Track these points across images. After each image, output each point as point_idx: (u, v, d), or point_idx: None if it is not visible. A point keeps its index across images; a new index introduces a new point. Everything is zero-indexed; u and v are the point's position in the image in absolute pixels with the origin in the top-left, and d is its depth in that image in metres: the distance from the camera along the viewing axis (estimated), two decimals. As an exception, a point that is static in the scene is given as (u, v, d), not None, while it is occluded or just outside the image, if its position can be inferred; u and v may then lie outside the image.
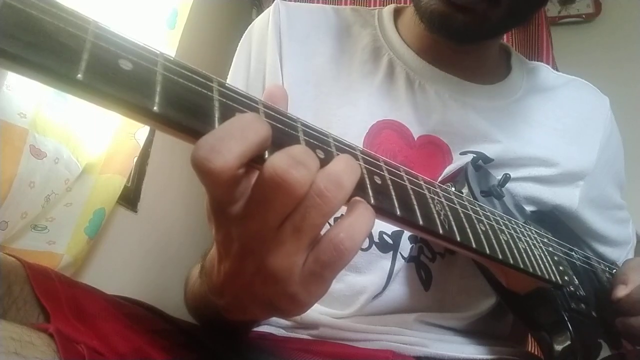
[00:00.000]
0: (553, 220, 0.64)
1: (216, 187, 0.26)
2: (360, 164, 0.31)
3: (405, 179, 0.35)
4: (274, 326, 0.61)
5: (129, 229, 1.08)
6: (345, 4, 1.46)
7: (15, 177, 0.64)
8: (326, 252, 0.27)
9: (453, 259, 0.60)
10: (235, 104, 0.27)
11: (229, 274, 0.32)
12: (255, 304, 0.33)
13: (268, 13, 0.68)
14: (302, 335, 0.59)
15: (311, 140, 0.30)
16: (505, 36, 1.29)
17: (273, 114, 0.29)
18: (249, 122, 0.26)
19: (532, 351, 0.70)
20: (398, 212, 0.32)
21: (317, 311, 0.59)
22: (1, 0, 0.20)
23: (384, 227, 0.58)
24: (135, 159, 0.95)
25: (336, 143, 0.32)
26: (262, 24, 0.68)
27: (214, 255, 0.35)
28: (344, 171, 0.28)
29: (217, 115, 0.26)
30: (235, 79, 0.67)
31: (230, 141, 0.24)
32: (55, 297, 0.40)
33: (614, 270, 0.64)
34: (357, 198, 0.29)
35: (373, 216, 0.29)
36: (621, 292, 0.54)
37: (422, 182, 0.37)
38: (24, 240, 0.74)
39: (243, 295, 0.33)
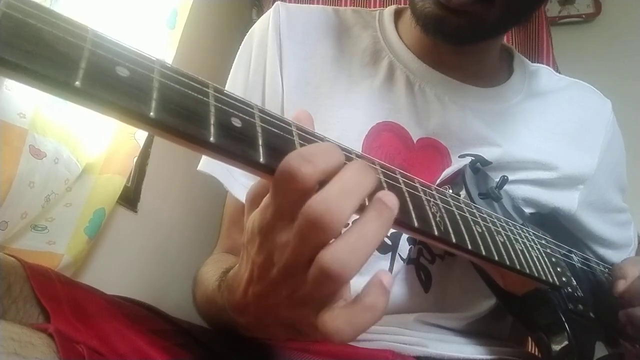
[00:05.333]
0: (553, 223, 0.64)
1: (293, 193, 0.27)
2: None
3: (400, 181, 0.35)
4: (274, 326, 0.62)
5: (129, 229, 1.08)
6: (346, 5, 1.46)
7: (14, 177, 0.64)
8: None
9: (452, 261, 0.60)
10: (231, 109, 0.28)
11: (258, 297, 0.33)
12: (277, 325, 0.34)
13: (268, 15, 0.68)
14: (303, 334, 0.60)
15: (306, 144, 0.30)
16: (505, 36, 1.29)
17: (268, 118, 0.29)
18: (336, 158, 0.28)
19: (532, 352, 0.70)
20: (394, 214, 0.32)
21: None
22: (1, 11, 0.21)
23: None
24: (135, 159, 0.95)
25: None
26: (262, 25, 0.68)
27: (241, 275, 0.35)
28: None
29: (212, 120, 0.26)
30: (235, 80, 0.67)
31: (320, 156, 0.27)
32: (55, 297, 0.40)
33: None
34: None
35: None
36: (622, 286, 0.54)
37: (417, 185, 0.37)
38: (24, 240, 0.74)
39: (266, 316, 0.34)
